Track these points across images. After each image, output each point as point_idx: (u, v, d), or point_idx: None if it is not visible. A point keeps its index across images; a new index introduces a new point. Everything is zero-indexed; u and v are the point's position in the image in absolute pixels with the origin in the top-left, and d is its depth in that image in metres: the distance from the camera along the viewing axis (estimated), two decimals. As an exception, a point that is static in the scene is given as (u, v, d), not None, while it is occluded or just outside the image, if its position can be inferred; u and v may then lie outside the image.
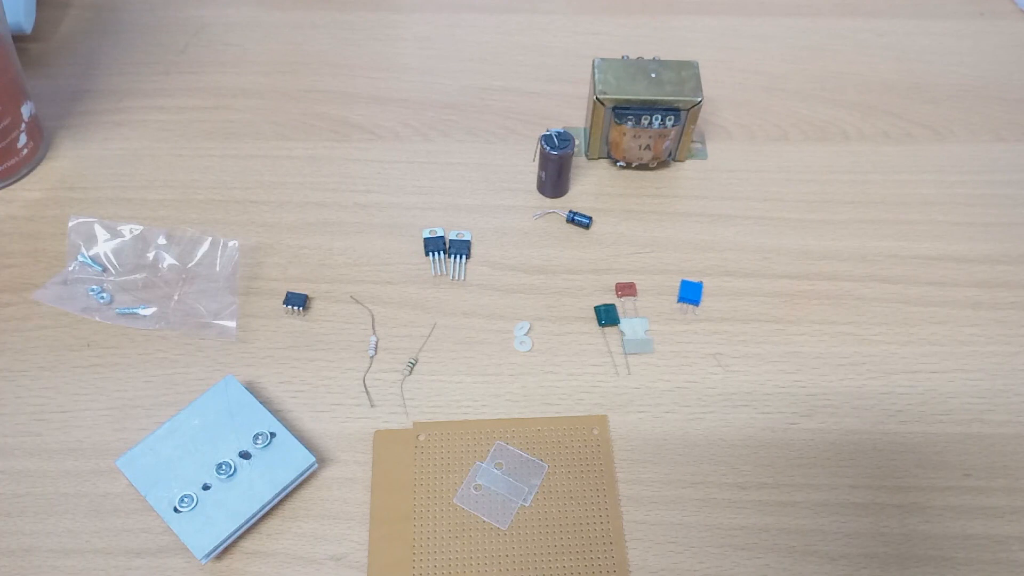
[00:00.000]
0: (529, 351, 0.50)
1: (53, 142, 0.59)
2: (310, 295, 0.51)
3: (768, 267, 0.54)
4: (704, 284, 0.53)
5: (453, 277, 0.53)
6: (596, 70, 0.55)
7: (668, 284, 0.53)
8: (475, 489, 0.44)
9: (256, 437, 0.44)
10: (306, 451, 0.43)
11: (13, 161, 0.55)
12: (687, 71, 0.55)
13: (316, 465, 0.44)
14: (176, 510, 0.41)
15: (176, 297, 0.50)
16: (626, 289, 0.52)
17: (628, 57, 0.56)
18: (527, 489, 0.44)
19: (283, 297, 0.51)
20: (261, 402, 0.45)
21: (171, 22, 0.68)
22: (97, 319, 0.50)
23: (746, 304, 0.52)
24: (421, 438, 0.45)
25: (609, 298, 0.52)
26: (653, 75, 0.55)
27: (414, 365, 0.49)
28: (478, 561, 0.41)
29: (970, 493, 0.45)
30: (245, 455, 0.43)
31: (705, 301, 0.52)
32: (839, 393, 0.48)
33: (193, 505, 0.41)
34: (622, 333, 0.50)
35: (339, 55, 0.66)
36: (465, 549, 0.42)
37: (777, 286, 0.53)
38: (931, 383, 0.49)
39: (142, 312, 0.50)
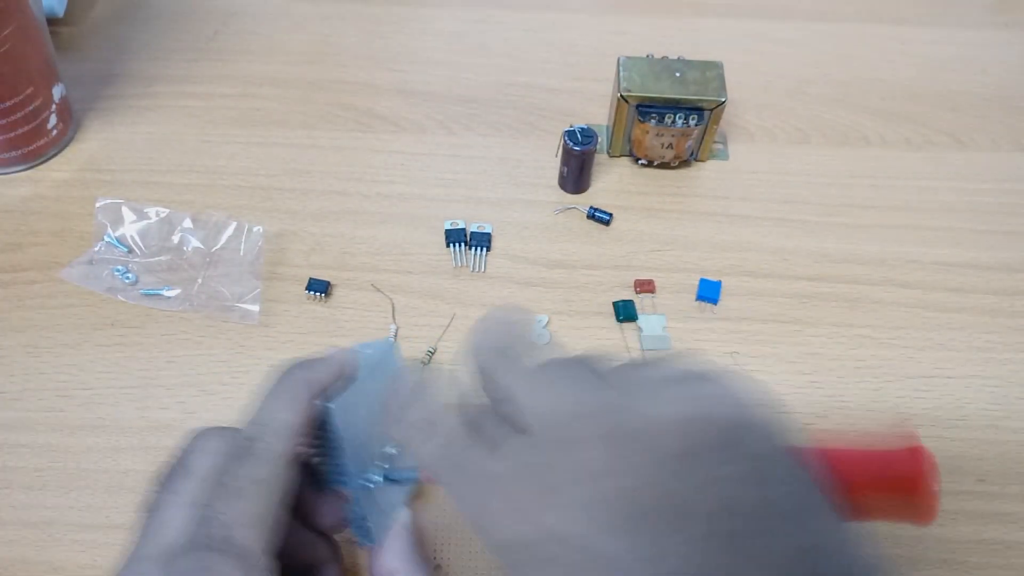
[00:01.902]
0: (547, 344, 0.50)
1: (82, 124, 0.60)
2: (332, 282, 0.52)
3: (787, 268, 0.54)
4: (723, 283, 0.53)
5: (473, 269, 0.53)
6: (621, 68, 0.56)
7: (687, 282, 0.53)
8: None
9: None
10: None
11: (42, 141, 0.56)
12: (711, 71, 0.56)
13: None
14: (365, 484, 0.37)
15: (200, 280, 0.51)
16: (645, 286, 0.52)
17: (653, 56, 0.57)
18: (543, 479, 0.44)
19: (305, 283, 0.51)
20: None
21: (200, 10, 0.68)
22: (121, 299, 0.50)
23: (764, 304, 0.52)
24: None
25: (627, 294, 0.52)
26: (678, 74, 0.55)
27: (433, 354, 0.49)
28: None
29: (984, 498, 0.45)
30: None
31: (723, 300, 0.52)
32: (855, 395, 0.49)
33: (373, 481, 0.37)
34: (640, 329, 0.50)
35: (366, 47, 0.67)
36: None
37: (795, 287, 0.53)
38: (947, 388, 0.49)
39: (166, 293, 0.50)
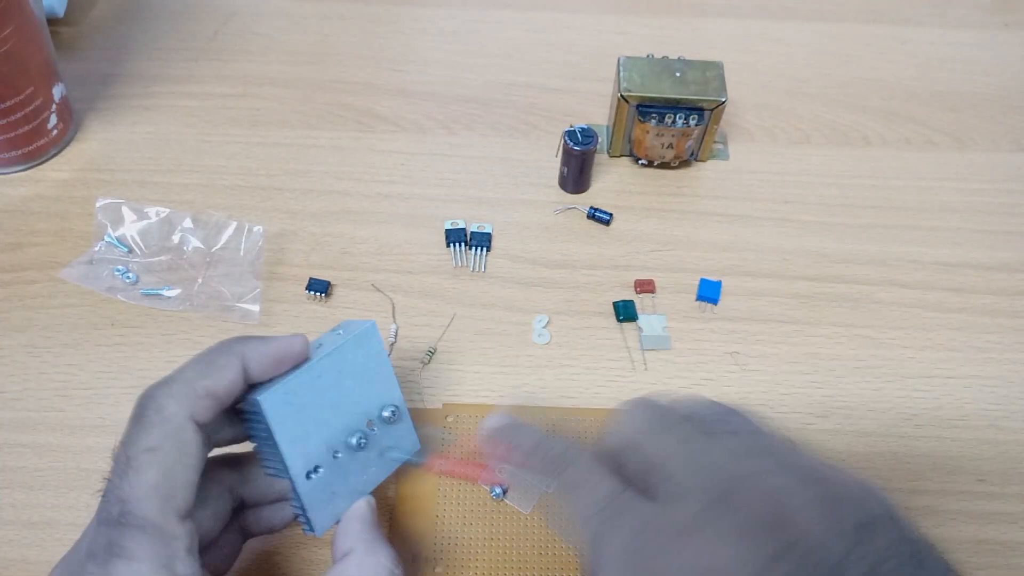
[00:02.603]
0: (547, 344, 0.50)
1: (82, 124, 0.60)
2: (332, 282, 0.52)
3: (787, 268, 0.54)
4: (723, 283, 0.53)
5: (473, 269, 0.53)
6: (621, 68, 0.56)
7: (687, 282, 0.53)
8: (499, 472, 0.44)
9: (384, 409, 0.39)
10: (416, 438, 0.41)
11: (43, 141, 0.56)
12: (712, 71, 0.56)
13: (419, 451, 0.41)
14: (308, 476, 0.36)
15: (200, 280, 0.51)
16: (645, 286, 0.52)
17: (653, 56, 0.57)
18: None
19: (306, 283, 0.51)
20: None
21: (200, 9, 0.68)
22: (121, 299, 0.50)
23: (764, 304, 0.52)
24: (449, 419, 0.46)
25: (628, 294, 0.52)
26: (678, 74, 0.55)
27: (433, 354, 0.49)
28: (498, 541, 0.42)
29: (984, 498, 0.45)
30: (370, 426, 0.39)
31: (723, 300, 0.52)
32: (855, 395, 0.49)
33: (320, 473, 0.36)
34: (640, 329, 0.50)
35: (366, 47, 0.67)
36: (486, 528, 0.42)
37: (795, 287, 0.53)
38: (947, 388, 0.49)
39: (166, 293, 0.50)
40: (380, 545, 0.35)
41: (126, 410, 0.46)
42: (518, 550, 0.42)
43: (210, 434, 0.34)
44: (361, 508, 0.37)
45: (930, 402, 0.49)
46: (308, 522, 0.36)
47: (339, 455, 0.37)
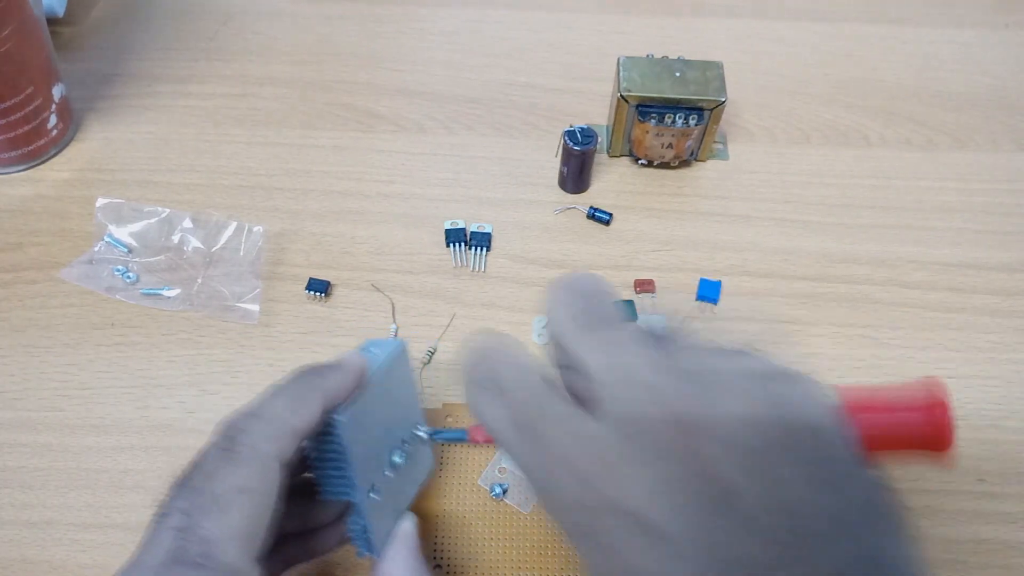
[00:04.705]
0: (547, 344, 0.50)
1: (82, 124, 0.60)
2: (332, 282, 0.52)
3: (787, 268, 0.54)
4: (723, 283, 0.53)
5: (473, 269, 0.53)
6: (621, 67, 0.56)
7: (687, 282, 0.53)
8: (499, 472, 0.44)
9: (416, 428, 0.39)
10: (431, 454, 0.41)
11: (43, 141, 0.56)
12: (712, 71, 0.56)
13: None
14: (368, 495, 0.35)
15: (200, 280, 0.51)
16: (645, 286, 0.52)
17: (653, 56, 0.57)
18: (547, 477, 0.44)
19: (306, 283, 0.51)
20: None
21: (201, 9, 0.68)
22: (121, 299, 0.50)
23: (764, 304, 0.52)
24: (449, 419, 0.46)
25: (628, 294, 0.52)
26: (678, 74, 0.55)
27: (433, 354, 0.49)
28: (498, 541, 0.42)
29: (984, 498, 0.45)
30: (404, 444, 0.38)
31: (723, 300, 0.52)
32: (855, 395, 0.49)
33: (378, 491, 0.36)
34: (640, 329, 0.50)
35: (366, 47, 0.67)
36: (486, 529, 0.42)
37: (796, 287, 0.53)
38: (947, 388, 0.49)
39: (166, 293, 0.50)
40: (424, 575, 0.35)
41: (126, 410, 0.46)
42: (518, 550, 0.42)
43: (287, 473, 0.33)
44: (408, 531, 0.36)
45: (930, 402, 0.49)
46: (368, 543, 0.35)
47: (387, 473, 0.37)
